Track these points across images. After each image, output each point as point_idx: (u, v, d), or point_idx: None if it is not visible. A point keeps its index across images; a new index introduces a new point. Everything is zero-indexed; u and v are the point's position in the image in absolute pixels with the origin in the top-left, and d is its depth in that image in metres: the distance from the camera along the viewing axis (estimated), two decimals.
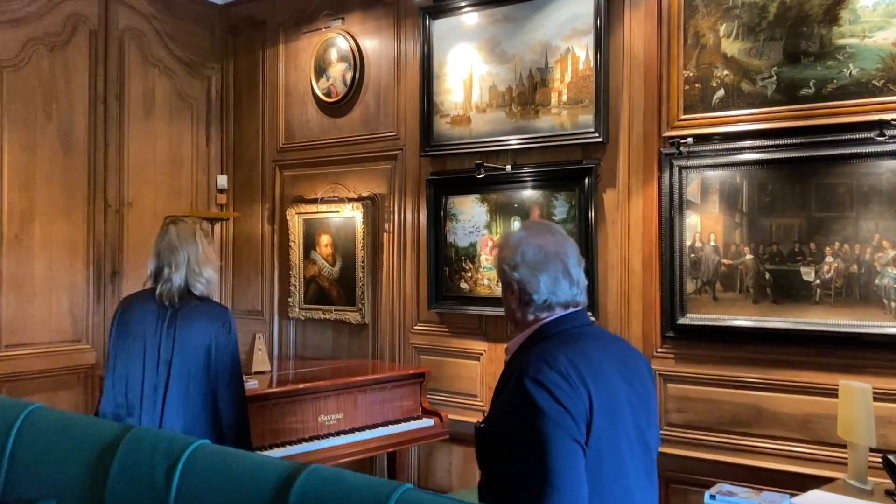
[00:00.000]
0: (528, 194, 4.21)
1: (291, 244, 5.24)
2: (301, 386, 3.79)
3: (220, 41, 5.76)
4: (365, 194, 4.95)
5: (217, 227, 5.64)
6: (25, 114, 4.69)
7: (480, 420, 1.94)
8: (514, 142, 4.23)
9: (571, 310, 1.93)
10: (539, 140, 4.15)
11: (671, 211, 3.77)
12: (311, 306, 5.15)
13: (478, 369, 4.45)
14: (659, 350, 3.84)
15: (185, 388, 2.95)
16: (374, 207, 4.90)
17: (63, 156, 4.87)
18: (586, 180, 3.99)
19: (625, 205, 3.95)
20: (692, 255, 3.73)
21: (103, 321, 5.08)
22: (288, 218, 5.25)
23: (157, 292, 3.04)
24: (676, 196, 3.75)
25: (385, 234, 4.86)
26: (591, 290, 3.96)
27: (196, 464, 2.00)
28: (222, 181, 5.76)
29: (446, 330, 4.58)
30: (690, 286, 3.73)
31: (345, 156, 5.06)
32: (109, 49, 5.10)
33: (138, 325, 3.03)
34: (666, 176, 3.78)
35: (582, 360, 1.79)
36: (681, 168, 3.74)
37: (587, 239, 3.98)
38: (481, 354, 4.44)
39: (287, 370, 4.60)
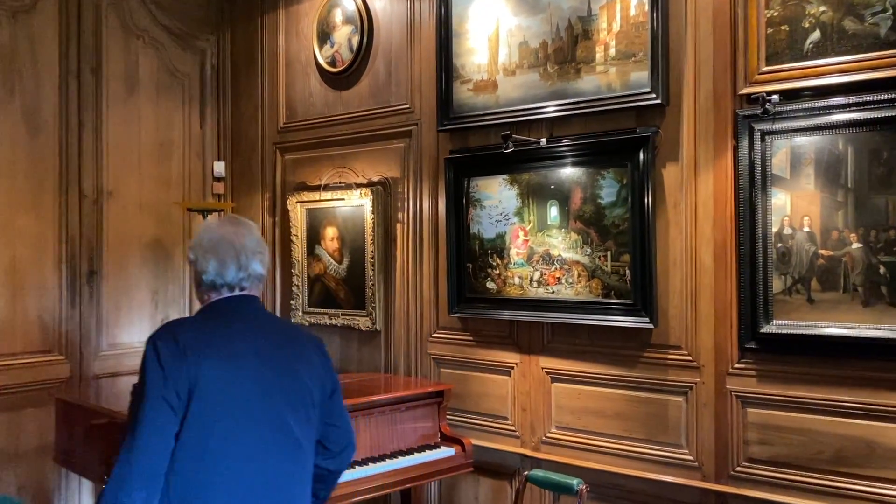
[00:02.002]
0: (568, 173, 3.43)
1: (293, 238, 4.54)
2: None
3: (215, 9, 5.08)
4: (375, 179, 4.22)
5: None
6: None
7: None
8: (550, 109, 3.46)
9: (237, 293, 2.06)
10: (581, 106, 3.36)
11: (752, 189, 2.96)
12: (315, 310, 4.44)
13: (508, 386, 3.69)
14: (736, 366, 3.03)
15: None
16: (385, 194, 4.16)
17: (28, 138, 4.23)
18: (641, 153, 3.20)
19: (690, 183, 3.15)
20: (780, 245, 2.91)
21: (79, 328, 4.44)
22: (289, 208, 4.55)
23: None
24: (758, 169, 2.94)
25: (398, 226, 4.12)
26: (647, 291, 3.17)
27: None
28: (219, 168, 5.09)
29: (470, 338, 3.82)
30: (777, 284, 2.92)
31: (352, 134, 4.33)
32: (83, 16, 4.44)
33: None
34: (744, 144, 2.97)
35: (209, 336, 1.96)
36: (763, 133, 2.93)
37: (642, 227, 3.19)
38: (512, 368, 3.67)
39: None
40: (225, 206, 4.93)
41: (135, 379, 1.97)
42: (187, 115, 4.97)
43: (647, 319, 3.18)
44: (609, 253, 3.30)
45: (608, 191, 3.30)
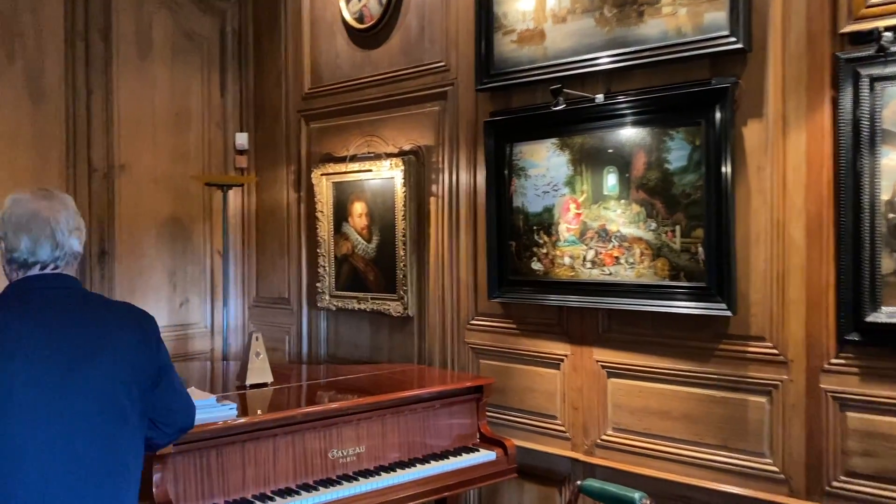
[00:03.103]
0: (629, 135, 2.94)
1: (318, 215, 4.13)
2: (299, 412, 2.66)
3: None
4: (406, 148, 3.78)
5: (232, 195, 4.59)
6: None
7: None
8: (607, 60, 2.96)
9: (49, 271, 1.90)
10: (644, 55, 2.86)
11: (856, 148, 2.44)
12: (343, 293, 4.03)
13: (557, 381, 3.23)
14: (832, 362, 2.53)
15: None
16: (418, 164, 3.72)
17: (31, 106, 3.90)
18: (717, 109, 2.69)
19: (777, 143, 2.63)
20: (891, 217, 2.39)
21: None
22: (314, 181, 4.13)
23: None
24: (865, 124, 2.42)
25: (432, 199, 3.68)
26: (723, 272, 2.67)
27: None
28: (241, 139, 4.69)
29: (513, 326, 3.37)
30: (888, 264, 2.40)
31: (382, 98, 3.89)
32: None
33: None
34: (846, 94, 2.45)
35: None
36: (872, 80, 2.40)
37: (718, 196, 2.69)
38: (562, 360, 3.21)
39: (299, 380, 3.49)
40: (246, 179, 4.55)
41: None
42: (206, 81, 4.59)
43: (723, 306, 2.69)
44: (678, 228, 2.81)
45: (677, 154, 2.80)
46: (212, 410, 2.49)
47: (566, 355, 3.20)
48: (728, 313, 2.69)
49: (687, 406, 2.86)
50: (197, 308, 4.58)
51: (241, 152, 4.74)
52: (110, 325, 1.89)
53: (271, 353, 4.56)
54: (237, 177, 4.52)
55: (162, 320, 4.50)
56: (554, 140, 3.15)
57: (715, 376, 2.78)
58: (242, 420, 2.52)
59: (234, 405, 2.54)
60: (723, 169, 2.68)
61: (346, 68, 4.09)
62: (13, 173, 3.83)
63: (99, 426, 1.76)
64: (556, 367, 3.23)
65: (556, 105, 2.93)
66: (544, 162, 3.19)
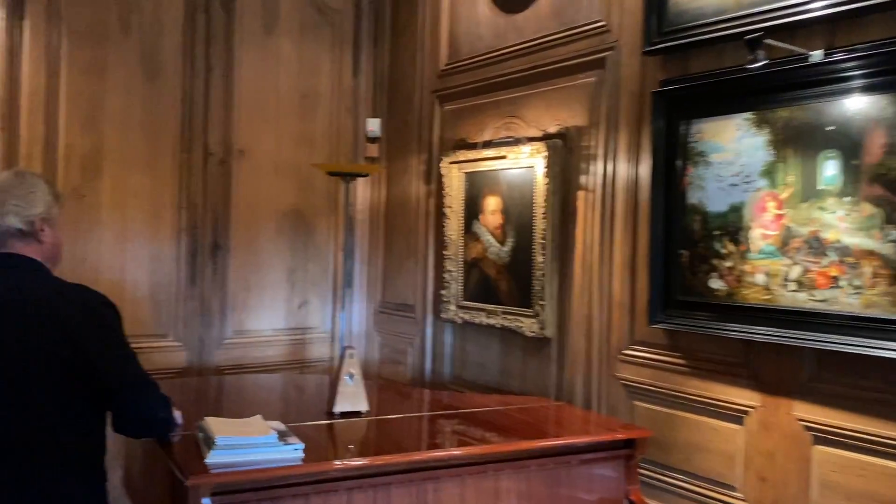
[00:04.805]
0: (859, 106, 2.07)
1: (446, 210, 3.52)
2: (383, 460, 2.04)
3: None
4: (552, 130, 3.08)
5: (361, 188, 4.11)
6: (93, 23, 3.45)
7: None
8: (822, 6, 2.11)
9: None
10: None
11: None
12: (471, 304, 3.40)
13: (738, 440, 2.40)
14: None
15: None
16: (564, 150, 3.01)
17: (145, 83, 3.59)
18: None
19: None
20: None
21: (199, 310, 3.76)
22: (443, 172, 3.53)
23: None
24: None
25: (581, 194, 2.95)
26: None
27: None
28: (373, 125, 4.15)
29: (681, 362, 2.57)
30: None
31: (526, 71, 3.22)
32: None
33: None
34: None
35: None
36: None
37: None
38: (746, 413, 2.38)
39: (400, 409, 2.86)
40: (372, 169, 4.03)
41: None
42: (337, 60, 4.13)
43: None
44: None
45: None
46: (269, 451, 1.93)
47: (753, 407, 2.36)
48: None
49: None
50: (317, 311, 4.13)
51: (372, 140, 4.20)
52: (45, 304, 1.89)
53: (393, 366, 4.05)
54: (362, 165, 4.01)
55: (278, 322, 4.16)
56: (748, 115, 2.33)
57: None
58: (308, 467, 1.94)
59: (300, 446, 1.96)
60: None
61: (488, 38, 3.45)
62: (123, 156, 3.54)
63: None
64: (739, 421, 2.40)
65: (753, 62, 2.11)
66: (733, 144, 2.37)
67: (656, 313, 2.58)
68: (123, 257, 3.55)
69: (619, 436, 2.41)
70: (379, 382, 3.71)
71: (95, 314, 1.89)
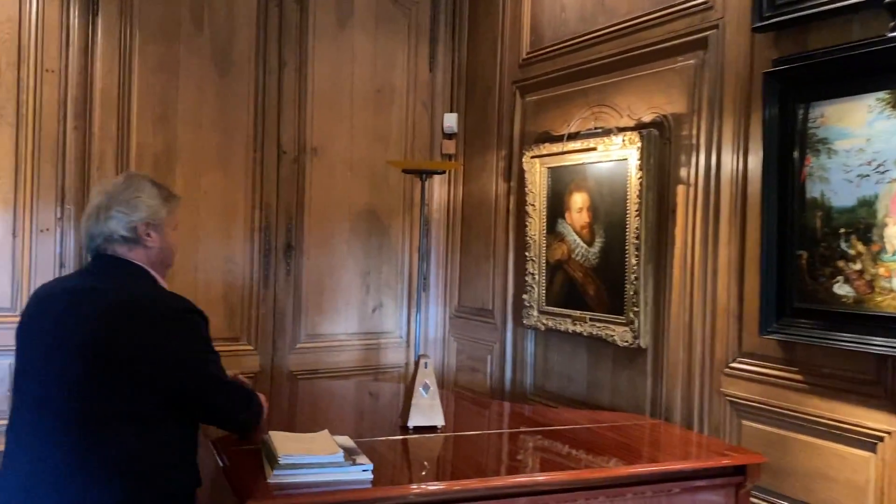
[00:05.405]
0: None
1: (529, 209, 3.29)
2: (458, 485, 1.82)
3: None
4: (646, 119, 2.81)
5: (437, 186, 3.92)
6: (165, 18, 3.38)
7: None
8: None
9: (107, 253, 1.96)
10: None
11: None
12: (554, 309, 3.15)
13: (870, 469, 2.08)
14: None
15: None
16: (661, 141, 2.73)
17: (218, 80, 3.49)
18: None
19: None
20: None
21: (272, 313, 3.64)
22: (525, 167, 3.30)
23: None
24: None
25: (680, 189, 2.67)
26: None
27: None
28: (450, 121, 4.02)
29: (799, 378, 2.26)
30: None
31: (617, 55, 2.96)
32: None
33: None
34: None
35: (42, 294, 1.94)
36: None
37: None
38: (881, 440, 2.06)
39: (479, 425, 2.63)
40: (449, 165, 3.84)
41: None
42: (413, 53, 3.96)
43: None
44: None
45: None
46: (335, 471, 1.75)
47: (889, 432, 2.04)
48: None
49: None
50: (391, 314, 3.96)
51: (449, 136, 4.06)
52: (119, 314, 1.85)
53: (470, 374, 3.83)
54: (438, 163, 3.82)
55: (351, 326, 4.01)
56: (882, 94, 2.01)
57: None
58: (376, 491, 1.74)
59: (369, 466, 1.77)
60: None
61: (574, 22, 3.20)
62: (196, 153, 3.45)
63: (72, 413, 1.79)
64: (871, 448, 2.08)
65: (894, 30, 1.80)
66: (863, 129, 2.06)
67: (769, 322, 2.28)
68: (196, 258, 3.46)
69: (729, 461, 2.13)
70: (455, 392, 3.51)
71: (178, 318, 1.84)
